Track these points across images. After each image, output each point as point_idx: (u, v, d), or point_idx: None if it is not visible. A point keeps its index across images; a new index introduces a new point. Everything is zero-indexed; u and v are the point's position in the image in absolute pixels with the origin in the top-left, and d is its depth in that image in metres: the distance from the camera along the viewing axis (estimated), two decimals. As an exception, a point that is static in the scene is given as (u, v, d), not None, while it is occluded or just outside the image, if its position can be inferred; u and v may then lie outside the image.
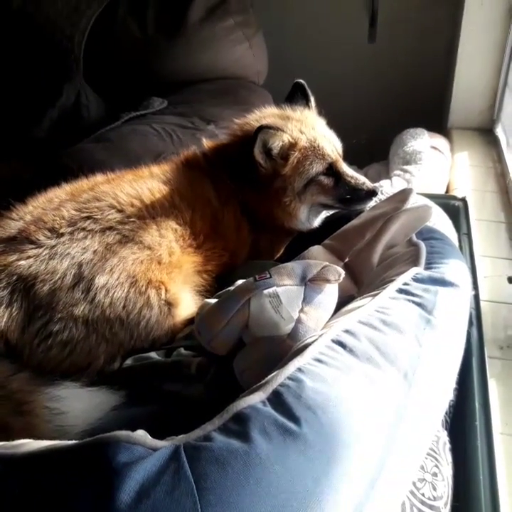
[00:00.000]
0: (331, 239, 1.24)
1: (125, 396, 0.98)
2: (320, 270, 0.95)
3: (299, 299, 0.92)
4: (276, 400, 0.69)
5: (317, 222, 1.52)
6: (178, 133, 2.18)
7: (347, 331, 0.84)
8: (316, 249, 1.20)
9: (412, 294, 0.99)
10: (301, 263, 0.98)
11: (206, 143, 1.51)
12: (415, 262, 1.11)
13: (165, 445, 0.62)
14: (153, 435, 0.88)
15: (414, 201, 1.27)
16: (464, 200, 2.09)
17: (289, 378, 0.73)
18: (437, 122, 3.36)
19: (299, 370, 0.74)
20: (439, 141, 2.69)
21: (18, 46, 2.89)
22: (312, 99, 1.54)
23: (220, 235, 1.32)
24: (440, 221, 1.84)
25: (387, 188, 2.37)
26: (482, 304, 1.65)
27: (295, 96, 1.52)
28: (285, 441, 0.64)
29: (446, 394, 0.99)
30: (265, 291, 0.92)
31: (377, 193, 1.42)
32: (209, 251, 1.29)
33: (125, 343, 1.11)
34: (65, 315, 1.06)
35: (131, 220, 1.19)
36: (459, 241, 1.87)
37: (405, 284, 1.01)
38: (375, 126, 3.51)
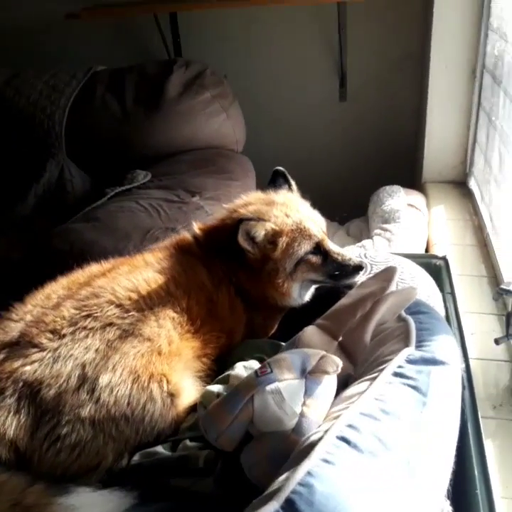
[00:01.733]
0: (324, 319, 1.28)
1: (136, 496, 0.99)
2: (318, 361, 0.99)
3: (300, 393, 0.96)
4: (290, 509, 0.72)
5: (308, 296, 1.57)
6: (164, 207, 2.24)
7: (350, 426, 0.88)
8: (310, 330, 1.25)
9: (407, 377, 1.04)
10: (299, 354, 1.03)
11: (197, 226, 1.57)
12: (406, 340, 1.16)
13: None
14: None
15: (399, 278, 1.36)
16: (444, 259, 2.16)
17: (300, 484, 0.76)
18: (411, 177, 3.50)
19: (309, 473, 0.78)
20: (415, 198, 2.80)
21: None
22: (293, 183, 1.61)
23: (216, 318, 1.37)
24: (424, 282, 1.90)
25: (369, 247, 2.45)
26: (471, 362, 1.69)
27: (277, 181, 1.59)
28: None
29: (447, 468, 1.02)
30: (267, 388, 0.95)
31: (363, 268, 1.48)
32: (207, 334, 1.33)
33: (131, 439, 1.13)
34: (72, 417, 1.09)
35: (130, 313, 1.23)
36: (444, 300, 1.92)
37: (400, 366, 1.06)
38: (351, 182, 3.64)
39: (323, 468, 0.79)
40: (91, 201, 2.69)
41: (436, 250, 2.49)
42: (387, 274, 1.27)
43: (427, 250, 2.56)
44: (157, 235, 2.08)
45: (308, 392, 0.97)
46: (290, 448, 0.94)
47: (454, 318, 1.86)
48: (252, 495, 0.94)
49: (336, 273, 1.49)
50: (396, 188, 2.86)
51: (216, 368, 1.36)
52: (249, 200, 1.55)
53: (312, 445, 0.85)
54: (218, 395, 1.19)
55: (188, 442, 1.13)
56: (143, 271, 1.35)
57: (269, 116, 3.50)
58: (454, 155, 3.13)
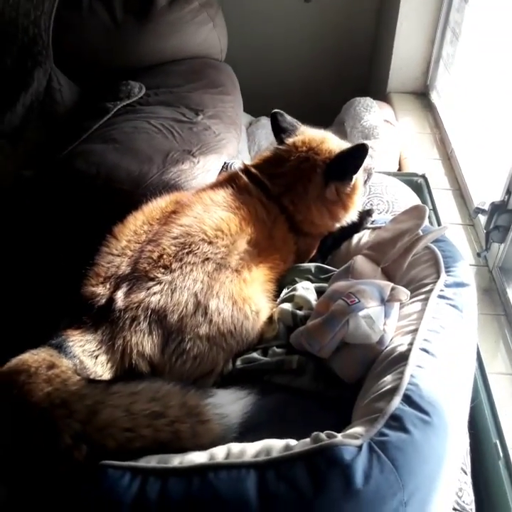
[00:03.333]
0: (369, 249, 1.61)
1: (256, 392, 1.33)
2: (392, 292, 1.33)
3: (382, 316, 1.31)
4: (408, 400, 1.09)
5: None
6: (176, 129, 2.38)
7: (425, 340, 1.25)
8: (360, 259, 1.57)
9: (448, 298, 1.41)
10: (374, 286, 1.36)
11: (244, 163, 1.78)
12: (437, 267, 1.51)
13: (362, 443, 1.00)
14: (286, 418, 1.27)
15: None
16: (424, 177, 2.51)
17: (409, 383, 1.12)
18: (374, 86, 3.74)
19: (412, 376, 1.14)
20: (387, 111, 3.07)
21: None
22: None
23: (275, 249, 1.65)
24: (410, 199, 2.26)
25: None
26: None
27: (279, 123, 1.80)
28: (426, 429, 1.04)
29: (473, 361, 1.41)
30: (360, 313, 1.29)
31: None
32: (271, 262, 1.62)
33: (234, 348, 1.44)
34: (193, 335, 1.38)
35: (220, 250, 1.49)
36: (428, 217, 2.29)
37: (441, 290, 1.42)
38: (314, 86, 3.82)
39: (419, 371, 1.16)
40: (83, 113, 2.75)
41: (408, 165, 2.83)
42: (420, 213, 1.59)
43: (399, 164, 2.89)
44: (176, 158, 2.24)
45: (386, 315, 1.32)
46: (375, 355, 1.30)
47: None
48: (337, 388, 1.32)
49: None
50: (369, 101, 3.10)
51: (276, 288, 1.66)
52: (304, 137, 1.75)
53: (404, 356, 1.21)
54: (292, 312, 1.52)
55: (276, 349, 1.46)
56: (216, 210, 1.58)
57: (237, 19, 3.52)
58: (418, 67, 3.39)
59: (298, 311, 1.52)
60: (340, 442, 0.99)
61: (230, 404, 1.27)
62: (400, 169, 2.82)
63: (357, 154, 1.66)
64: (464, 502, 1.35)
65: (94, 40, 2.83)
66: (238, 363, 1.45)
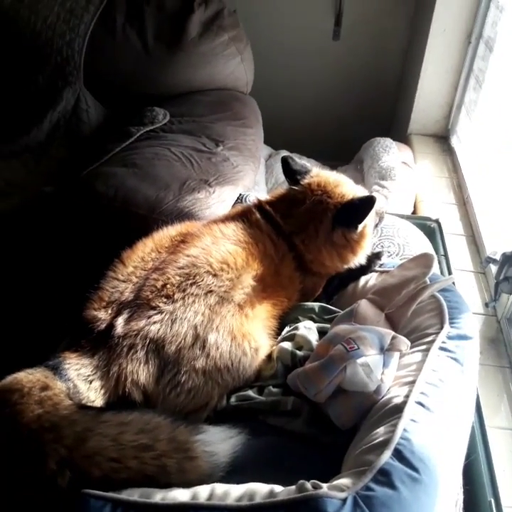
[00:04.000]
0: (374, 294, 1.60)
1: (247, 432, 1.32)
2: (392, 341, 1.32)
3: (381, 365, 1.29)
4: (399, 455, 1.07)
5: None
6: (195, 158, 2.42)
7: (422, 393, 1.23)
8: (363, 303, 1.56)
9: (449, 351, 1.39)
10: (374, 333, 1.35)
11: (258, 199, 1.80)
12: (441, 317, 1.50)
13: (347, 496, 0.98)
14: (275, 462, 1.25)
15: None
16: (437, 222, 2.50)
17: (402, 438, 1.10)
18: (395, 127, 3.77)
19: (405, 430, 1.12)
20: (406, 154, 3.08)
21: (13, 51, 2.94)
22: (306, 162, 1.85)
23: (280, 286, 1.65)
24: (422, 244, 2.25)
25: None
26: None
27: (290, 167, 1.81)
28: (414, 486, 1.02)
29: (471, 418, 1.39)
30: (358, 361, 1.28)
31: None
32: (275, 299, 1.62)
33: (230, 384, 1.44)
34: (189, 368, 1.38)
35: (224, 283, 1.50)
36: (438, 262, 2.29)
37: (443, 342, 1.41)
38: (336, 124, 3.86)
39: (413, 426, 1.14)
40: (107, 134, 2.81)
41: (424, 208, 2.83)
42: (427, 261, 1.59)
43: (415, 207, 2.89)
44: (193, 186, 2.27)
45: (385, 364, 1.31)
46: (371, 404, 1.29)
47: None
48: (332, 434, 1.30)
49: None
50: (389, 141, 3.12)
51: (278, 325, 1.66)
52: (319, 179, 1.76)
53: (399, 408, 1.19)
54: (292, 352, 1.51)
55: (272, 388, 1.45)
56: (225, 243, 1.59)
57: (265, 53, 3.58)
58: (440, 110, 3.41)
59: (297, 352, 1.51)
60: (325, 494, 0.98)
61: (219, 442, 1.26)
62: (414, 212, 2.82)
63: (364, 205, 1.67)
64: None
65: (125, 66, 2.89)
66: (233, 399, 1.44)
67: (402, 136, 3.48)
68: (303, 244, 1.70)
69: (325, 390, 1.30)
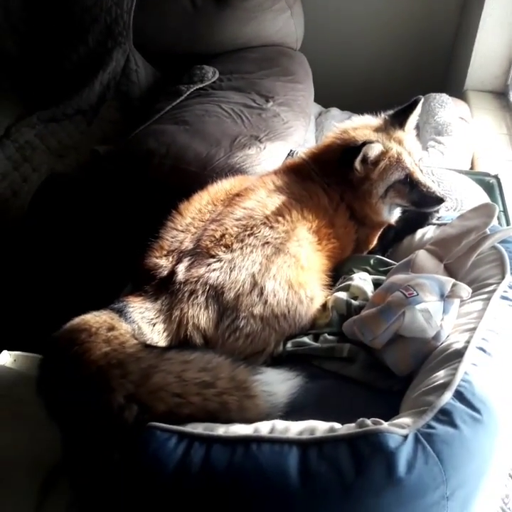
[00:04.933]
0: (432, 244, 1.58)
1: (305, 376, 1.34)
2: (452, 288, 1.30)
3: (440, 311, 1.28)
4: (460, 397, 1.07)
5: (396, 216, 1.85)
6: (246, 114, 2.41)
7: (483, 339, 1.22)
8: (422, 254, 1.54)
9: (510, 300, 1.36)
10: (435, 280, 1.33)
11: (304, 152, 1.79)
12: (503, 267, 1.47)
13: (408, 433, 0.99)
14: (332, 405, 1.27)
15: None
16: (497, 178, 2.42)
17: (463, 380, 1.10)
18: (452, 82, 3.63)
19: (466, 373, 1.12)
20: (462, 109, 2.98)
21: (62, 13, 2.96)
22: (412, 117, 1.80)
23: (335, 237, 1.65)
24: (480, 199, 2.18)
25: (425, 159, 2.68)
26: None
27: (405, 110, 1.79)
28: (475, 426, 1.02)
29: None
30: (417, 306, 1.27)
31: (444, 201, 1.73)
32: (329, 251, 1.63)
33: (286, 331, 1.46)
34: (247, 314, 1.40)
35: (280, 235, 1.51)
36: (498, 218, 2.21)
37: (504, 291, 1.38)
38: (392, 80, 3.75)
39: (473, 369, 1.13)
40: (158, 94, 2.82)
41: (481, 164, 2.74)
42: (489, 211, 1.55)
43: (472, 163, 2.80)
44: (244, 142, 2.27)
45: (445, 311, 1.29)
46: (429, 350, 1.28)
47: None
48: (388, 380, 1.31)
49: (420, 201, 1.74)
50: (445, 97, 3.01)
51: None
52: (358, 124, 1.76)
53: (459, 352, 1.18)
54: (347, 301, 1.52)
55: (327, 336, 1.46)
56: (279, 196, 1.60)
57: (317, 8, 3.48)
58: (499, 65, 3.26)
59: (353, 301, 1.51)
60: (386, 429, 0.99)
61: (278, 383, 1.28)
62: (472, 168, 2.73)
63: (351, 151, 1.65)
64: (509, 509, 1.31)
65: (173, 24, 2.89)
66: (289, 345, 1.46)
67: (458, 92, 3.35)
68: (344, 192, 1.70)
69: (382, 336, 1.30)
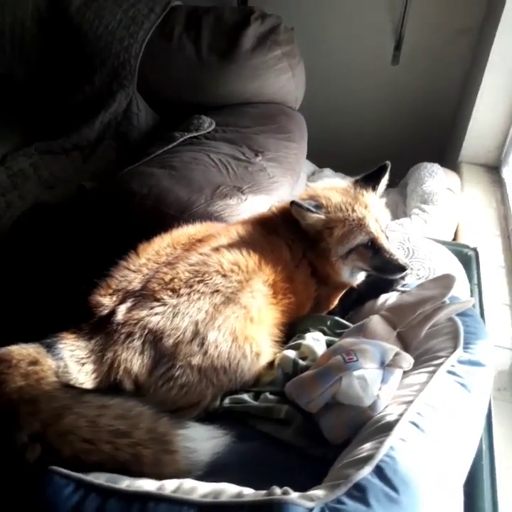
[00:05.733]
0: (387, 311, 1.54)
1: (233, 435, 1.28)
2: (395, 357, 1.25)
3: (379, 380, 1.23)
4: (380, 473, 1.00)
5: (360, 278, 1.81)
6: (232, 165, 2.43)
7: (418, 414, 1.16)
8: (375, 319, 1.50)
9: (457, 376, 1.31)
10: (378, 347, 1.29)
11: (274, 206, 1.78)
12: (455, 341, 1.42)
13: (314, 506, 0.93)
14: (257, 469, 1.20)
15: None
16: (475, 250, 2.39)
17: (386, 455, 1.04)
18: (445, 153, 3.67)
19: (391, 448, 1.06)
20: (452, 180, 2.99)
21: (73, 52, 3.05)
22: (383, 182, 1.78)
23: (293, 293, 1.61)
24: (455, 271, 2.14)
25: (407, 225, 2.67)
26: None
27: (374, 175, 1.76)
28: (391, 507, 0.95)
29: (476, 444, 1.29)
30: (355, 373, 1.22)
31: (406, 269, 1.68)
32: (284, 306, 1.59)
33: (225, 386, 1.41)
34: (184, 363, 1.35)
35: (232, 284, 1.47)
36: (471, 291, 2.17)
37: (452, 365, 1.33)
38: (387, 148, 3.77)
39: (401, 445, 1.07)
40: (154, 139, 2.86)
41: (464, 236, 2.72)
42: (447, 282, 1.51)
43: (456, 234, 2.78)
44: (225, 192, 2.27)
45: (384, 380, 1.24)
46: (365, 420, 1.22)
47: (477, 308, 2.11)
48: (322, 447, 1.24)
49: (382, 266, 1.69)
50: (436, 167, 3.04)
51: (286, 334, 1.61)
52: (329, 185, 1.75)
53: (389, 425, 1.13)
54: (294, 360, 1.47)
55: (268, 395, 1.40)
56: (240, 246, 1.57)
57: (319, 71, 3.57)
58: (493, 140, 3.30)
59: (300, 361, 1.47)
60: (292, 500, 0.93)
61: (202, 440, 1.22)
62: (455, 239, 2.71)
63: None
64: None
65: (177, 73, 2.96)
66: (226, 401, 1.41)
67: (453, 163, 3.38)
68: (306, 249, 1.68)
69: (318, 400, 1.24)
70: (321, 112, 3.58)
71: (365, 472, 1.00)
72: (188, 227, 1.70)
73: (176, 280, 1.44)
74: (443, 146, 3.81)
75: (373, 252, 1.67)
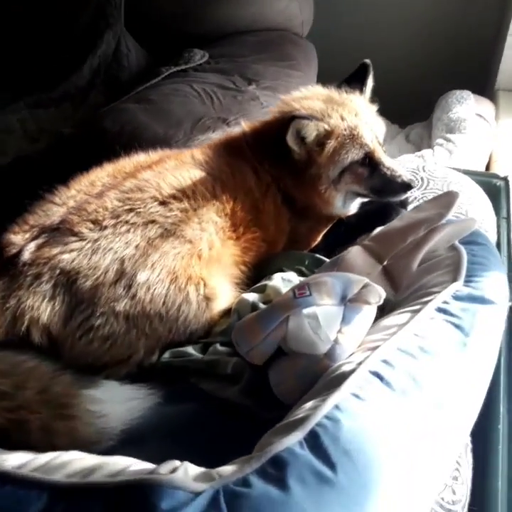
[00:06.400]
0: (371, 240, 1.22)
1: (162, 395, 1.02)
2: (361, 290, 0.95)
3: (337, 320, 0.93)
4: (314, 441, 0.71)
5: (353, 208, 1.50)
6: (218, 95, 2.14)
7: (385, 362, 0.86)
8: (355, 251, 1.19)
9: (451, 314, 1.00)
10: (341, 279, 0.98)
11: (246, 125, 1.48)
12: (455, 273, 1.10)
13: (205, 489, 0.65)
14: (188, 437, 0.94)
15: (459, 205, 1.27)
16: (505, 180, 2.02)
17: (326, 417, 0.75)
18: (483, 82, 3.23)
19: (337, 407, 0.76)
20: (485, 107, 2.59)
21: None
22: (369, 84, 1.47)
23: (259, 226, 1.32)
24: (479, 203, 1.80)
25: (428, 157, 2.30)
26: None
27: (356, 76, 1.45)
28: (321, 490, 0.67)
29: (475, 411, 0.99)
30: (304, 311, 0.92)
31: (412, 187, 1.38)
32: (248, 242, 1.30)
33: (163, 337, 1.14)
34: (107, 310, 1.10)
35: (174, 213, 1.20)
36: (498, 226, 1.82)
37: (445, 302, 1.01)
38: (418, 80, 3.38)
39: (352, 403, 0.78)
40: (146, 78, 2.60)
41: (498, 169, 2.33)
42: (448, 200, 1.18)
43: (487, 166, 2.39)
44: (208, 125, 2.01)
45: (345, 320, 0.94)
46: (320, 371, 0.93)
47: (504, 245, 1.76)
48: (274, 409, 0.96)
49: (382, 187, 1.39)
50: (466, 93, 2.64)
51: (254, 275, 1.33)
52: (306, 93, 1.44)
53: (343, 376, 0.83)
54: (253, 304, 1.18)
55: (218, 346, 1.13)
56: (190, 168, 1.29)
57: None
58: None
59: (261, 304, 1.18)
60: (168, 482, 0.65)
61: (116, 402, 0.97)
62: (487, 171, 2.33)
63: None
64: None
65: (168, 4, 2.66)
66: (166, 355, 1.14)
67: (489, 93, 2.96)
68: (280, 176, 1.37)
69: (261, 347, 0.96)
70: (342, 38, 3.19)
71: (292, 440, 0.71)
72: (138, 155, 1.42)
73: (100, 210, 1.17)
74: (479, 75, 3.36)
75: (370, 170, 1.36)
